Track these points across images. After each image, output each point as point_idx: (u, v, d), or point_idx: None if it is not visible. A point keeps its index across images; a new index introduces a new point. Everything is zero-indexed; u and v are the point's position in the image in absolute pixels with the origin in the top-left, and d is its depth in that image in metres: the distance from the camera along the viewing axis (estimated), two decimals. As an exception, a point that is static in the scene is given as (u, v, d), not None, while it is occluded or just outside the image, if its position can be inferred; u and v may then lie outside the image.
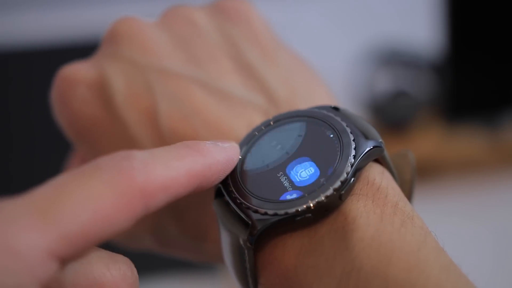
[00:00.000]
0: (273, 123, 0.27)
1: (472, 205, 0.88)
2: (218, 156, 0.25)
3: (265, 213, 0.24)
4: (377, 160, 0.26)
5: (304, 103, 0.29)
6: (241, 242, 0.25)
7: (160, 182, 0.22)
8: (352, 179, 0.24)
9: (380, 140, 0.26)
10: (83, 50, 0.34)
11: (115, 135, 0.30)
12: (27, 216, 0.19)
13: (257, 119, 0.28)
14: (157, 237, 0.31)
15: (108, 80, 0.30)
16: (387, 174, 0.26)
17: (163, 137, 0.29)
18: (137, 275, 0.24)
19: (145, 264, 0.25)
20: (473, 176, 0.90)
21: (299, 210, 0.24)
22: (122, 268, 0.23)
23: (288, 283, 0.24)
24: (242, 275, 0.26)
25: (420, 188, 0.88)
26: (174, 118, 0.29)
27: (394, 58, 0.96)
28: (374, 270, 0.22)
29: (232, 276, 0.27)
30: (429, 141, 0.92)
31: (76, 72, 0.31)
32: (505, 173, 0.91)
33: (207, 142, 0.25)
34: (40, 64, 0.92)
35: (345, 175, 0.24)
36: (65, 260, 0.20)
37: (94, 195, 0.20)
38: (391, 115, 0.93)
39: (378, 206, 0.24)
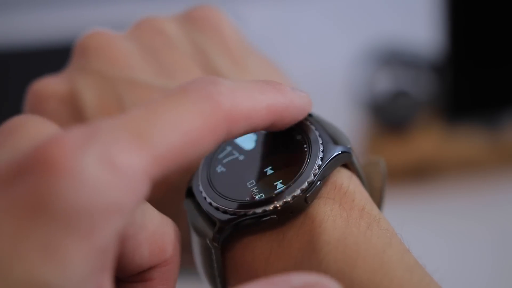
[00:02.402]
0: None
1: (472, 205, 0.87)
2: (295, 100, 0.26)
3: (230, 212, 0.25)
4: (346, 166, 0.27)
5: None
6: (208, 242, 0.25)
7: (243, 111, 0.23)
8: (319, 182, 0.25)
9: (349, 146, 0.26)
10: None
11: None
12: (126, 136, 0.20)
13: None
14: None
15: (79, 93, 0.31)
16: (355, 179, 0.27)
17: None
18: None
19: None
20: (473, 176, 0.90)
21: (262, 211, 0.24)
22: (173, 224, 0.25)
23: None
24: (211, 275, 0.26)
25: (420, 188, 0.88)
26: None
27: (394, 58, 0.96)
28: (340, 273, 0.22)
29: (202, 277, 0.27)
30: (429, 141, 0.91)
31: (47, 86, 0.31)
32: (505, 173, 0.91)
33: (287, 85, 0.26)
34: (40, 64, 0.92)
35: (312, 178, 0.25)
36: (154, 181, 0.21)
37: (183, 118, 0.21)
38: (391, 115, 0.92)
39: (345, 210, 0.24)
